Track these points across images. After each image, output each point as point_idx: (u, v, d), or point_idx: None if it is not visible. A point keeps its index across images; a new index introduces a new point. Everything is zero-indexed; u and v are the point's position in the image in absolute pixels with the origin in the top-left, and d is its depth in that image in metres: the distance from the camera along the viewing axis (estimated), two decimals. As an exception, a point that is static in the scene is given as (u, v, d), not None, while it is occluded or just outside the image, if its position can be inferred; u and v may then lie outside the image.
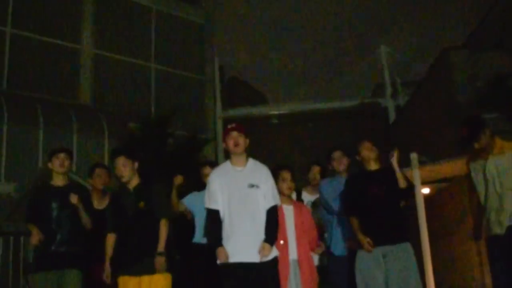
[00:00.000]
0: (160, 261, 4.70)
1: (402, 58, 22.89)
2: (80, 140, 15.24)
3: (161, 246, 4.76)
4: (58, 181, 5.31)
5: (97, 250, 5.24)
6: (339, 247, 5.73)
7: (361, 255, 5.18)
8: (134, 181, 4.98)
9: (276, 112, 22.94)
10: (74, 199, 5.14)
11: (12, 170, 14.17)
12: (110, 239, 4.87)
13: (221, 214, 4.62)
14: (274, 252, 4.66)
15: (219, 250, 4.51)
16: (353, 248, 5.31)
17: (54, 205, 5.13)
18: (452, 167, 10.38)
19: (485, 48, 12.27)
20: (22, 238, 9.82)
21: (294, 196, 5.68)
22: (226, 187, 4.65)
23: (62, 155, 5.28)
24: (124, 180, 4.94)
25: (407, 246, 5.11)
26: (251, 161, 4.82)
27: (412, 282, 5.00)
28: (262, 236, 4.57)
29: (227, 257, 4.48)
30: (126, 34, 19.02)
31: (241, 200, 4.62)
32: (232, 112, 21.83)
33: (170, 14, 20.40)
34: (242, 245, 4.49)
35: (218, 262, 4.57)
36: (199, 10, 21.60)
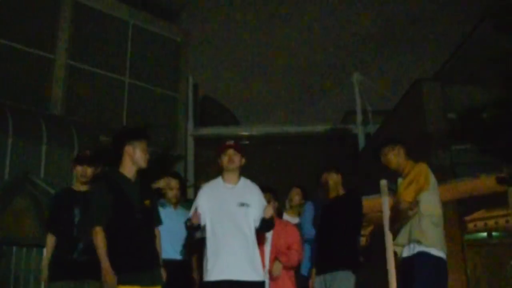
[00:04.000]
0: (164, 272, 4.36)
1: (375, 87, 23.18)
2: (49, 150, 15.02)
3: (161, 257, 4.41)
4: (80, 186, 5.08)
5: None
6: (304, 267, 5.83)
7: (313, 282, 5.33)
8: (135, 173, 4.41)
9: (247, 133, 22.97)
10: None
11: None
12: (101, 233, 4.09)
13: (209, 230, 4.58)
14: (263, 276, 4.64)
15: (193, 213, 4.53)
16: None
17: (76, 210, 4.86)
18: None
19: (457, 81, 12.54)
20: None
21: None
22: (215, 203, 4.59)
23: (84, 165, 5.06)
24: (141, 167, 4.37)
25: (345, 274, 5.15)
26: (242, 180, 4.78)
27: None
28: (250, 254, 4.52)
29: (199, 217, 4.49)
30: (102, 47, 18.93)
31: (230, 218, 4.55)
32: (203, 131, 21.78)
33: (147, 29, 20.38)
34: (230, 263, 4.42)
35: (204, 279, 4.52)
36: (176, 27, 21.65)
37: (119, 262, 4.07)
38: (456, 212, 11.88)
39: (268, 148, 22.88)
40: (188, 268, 5.63)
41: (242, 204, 4.62)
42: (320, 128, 22.69)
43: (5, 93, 15.88)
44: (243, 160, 4.77)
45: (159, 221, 4.57)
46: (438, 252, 4.56)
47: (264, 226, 4.67)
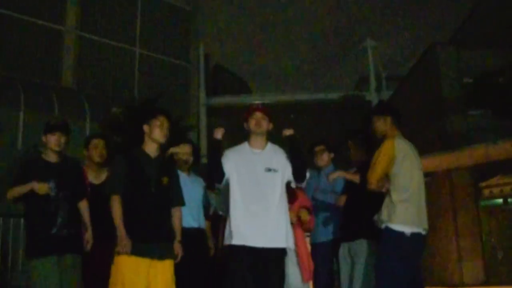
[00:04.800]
0: (180, 248, 4.40)
1: (388, 52, 22.92)
2: (61, 122, 15.00)
3: (179, 234, 4.45)
4: (53, 156, 4.81)
5: (95, 228, 4.95)
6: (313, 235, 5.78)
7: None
8: (157, 150, 4.54)
9: (259, 102, 22.87)
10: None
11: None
12: (118, 202, 4.25)
13: (234, 195, 4.50)
14: (285, 243, 4.51)
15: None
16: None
17: (52, 183, 4.63)
18: (433, 162, 10.42)
19: (472, 45, 12.32)
20: (0, 219, 9.51)
21: None
22: (242, 168, 4.46)
23: (58, 133, 4.90)
24: (164, 142, 4.52)
25: (362, 243, 5.11)
26: (270, 145, 4.65)
27: (357, 278, 5.04)
28: (274, 221, 4.40)
29: (222, 129, 4.51)
30: (111, 17, 18.77)
31: (256, 183, 4.42)
32: (215, 100, 21.68)
33: (156, -2, 20.20)
34: (254, 229, 4.36)
35: (226, 242, 4.44)
36: (186, -4, 21.42)
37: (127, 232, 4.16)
38: (472, 178, 11.80)
39: (281, 116, 22.79)
40: (205, 236, 5.58)
41: (269, 170, 4.47)
42: (333, 95, 22.51)
43: (16, 66, 15.86)
44: (271, 125, 4.65)
45: (180, 201, 4.57)
46: (400, 227, 4.56)
47: (295, 163, 4.54)
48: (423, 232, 4.70)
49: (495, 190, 11.87)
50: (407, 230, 4.57)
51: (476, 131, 11.33)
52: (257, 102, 22.67)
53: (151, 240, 4.24)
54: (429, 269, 11.68)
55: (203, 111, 21.21)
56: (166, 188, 4.42)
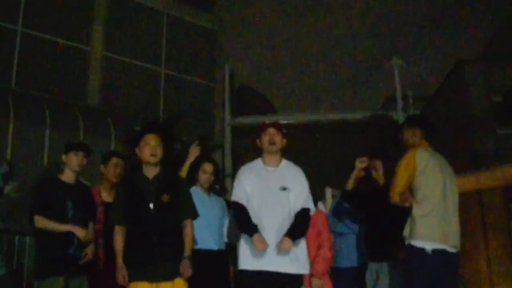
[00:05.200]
0: (187, 265, 4.23)
1: (415, 71, 22.67)
2: (87, 141, 15.00)
3: (188, 249, 4.30)
4: (70, 177, 4.91)
5: (107, 247, 4.90)
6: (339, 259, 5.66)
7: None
8: (155, 169, 4.47)
9: (284, 122, 22.67)
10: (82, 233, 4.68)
11: (16, 170, 14.02)
12: (120, 233, 4.24)
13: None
14: (303, 269, 4.35)
15: (257, 238, 4.08)
16: None
17: (69, 203, 4.73)
18: (462, 183, 10.14)
19: (499, 62, 12.12)
20: (16, 238, 9.53)
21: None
22: (256, 187, 4.30)
23: (81, 154, 4.99)
24: (154, 161, 4.41)
25: (383, 266, 4.99)
26: (284, 162, 4.51)
27: None
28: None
29: (266, 244, 4.09)
30: (137, 37, 18.92)
31: (270, 203, 4.26)
32: (241, 120, 21.57)
33: (181, 19, 20.28)
34: (267, 252, 4.19)
35: (239, 268, 4.31)
36: (211, 16, 21.49)
37: (125, 259, 4.13)
38: (503, 199, 11.52)
39: (306, 136, 22.61)
40: (224, 258, 5.46)
41: (284, 189, 4.31)
42: (359, 115, 22.24)
43: (42, 85, 16.03)
44: (285, 141, 4.53)
45: (190, 214, 4.43)
46: (421, 243, 4.46)
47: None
48: (450, 250, 4.49)
49: (527, 211, 11.59)
50: (428, 246, 4.41)
51: (506, 150, 11.07)
52: (281, 121, 22.55)
53: (152, 261, 4.13)
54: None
55: (228, 131, 21.13)
56: (167, 205, 4.31)
